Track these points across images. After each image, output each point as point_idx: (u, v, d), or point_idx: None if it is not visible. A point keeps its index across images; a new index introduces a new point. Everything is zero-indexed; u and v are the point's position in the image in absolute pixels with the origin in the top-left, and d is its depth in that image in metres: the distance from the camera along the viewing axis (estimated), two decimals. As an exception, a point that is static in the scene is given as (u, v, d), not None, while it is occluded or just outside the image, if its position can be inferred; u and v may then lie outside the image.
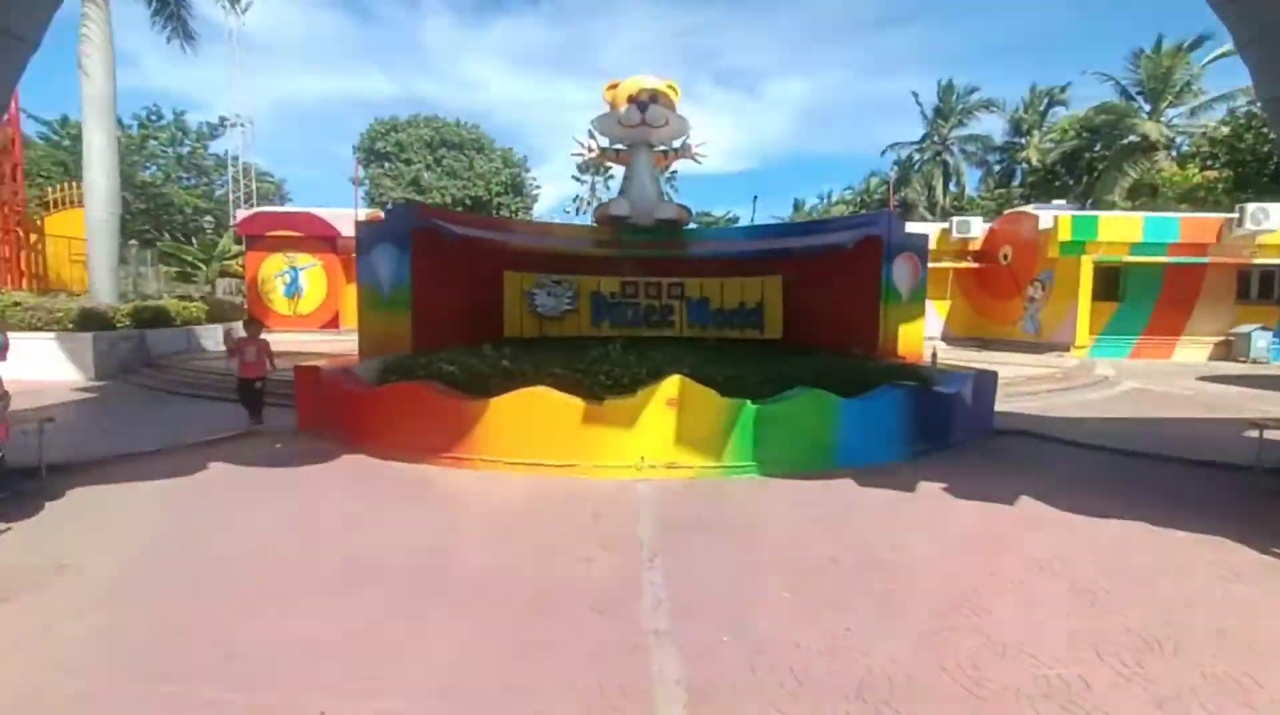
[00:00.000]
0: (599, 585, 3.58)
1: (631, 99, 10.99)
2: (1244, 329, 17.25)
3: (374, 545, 4.08)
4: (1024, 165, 37.29)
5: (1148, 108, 25.88)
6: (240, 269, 19.68)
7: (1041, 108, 36.32)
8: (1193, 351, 17.78)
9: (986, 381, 7.59)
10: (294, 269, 19.61)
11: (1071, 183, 30.81)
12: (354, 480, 5.61)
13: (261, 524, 4.48)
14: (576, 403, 5.82)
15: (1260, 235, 16.66)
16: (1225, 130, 22.03)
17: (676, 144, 11.91)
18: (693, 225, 11.62)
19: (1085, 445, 6.96)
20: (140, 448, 6.33)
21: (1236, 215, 16.57)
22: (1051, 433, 7.50)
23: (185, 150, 39.22)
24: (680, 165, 11.56)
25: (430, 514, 4.75)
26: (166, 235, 32.43)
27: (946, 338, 20.25)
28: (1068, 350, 16.76)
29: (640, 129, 10.99)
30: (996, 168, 40.23)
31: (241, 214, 19.60)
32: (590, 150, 11.66)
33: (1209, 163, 22.01)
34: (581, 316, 10.74)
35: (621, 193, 11.24)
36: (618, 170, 11.96)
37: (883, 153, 44.22)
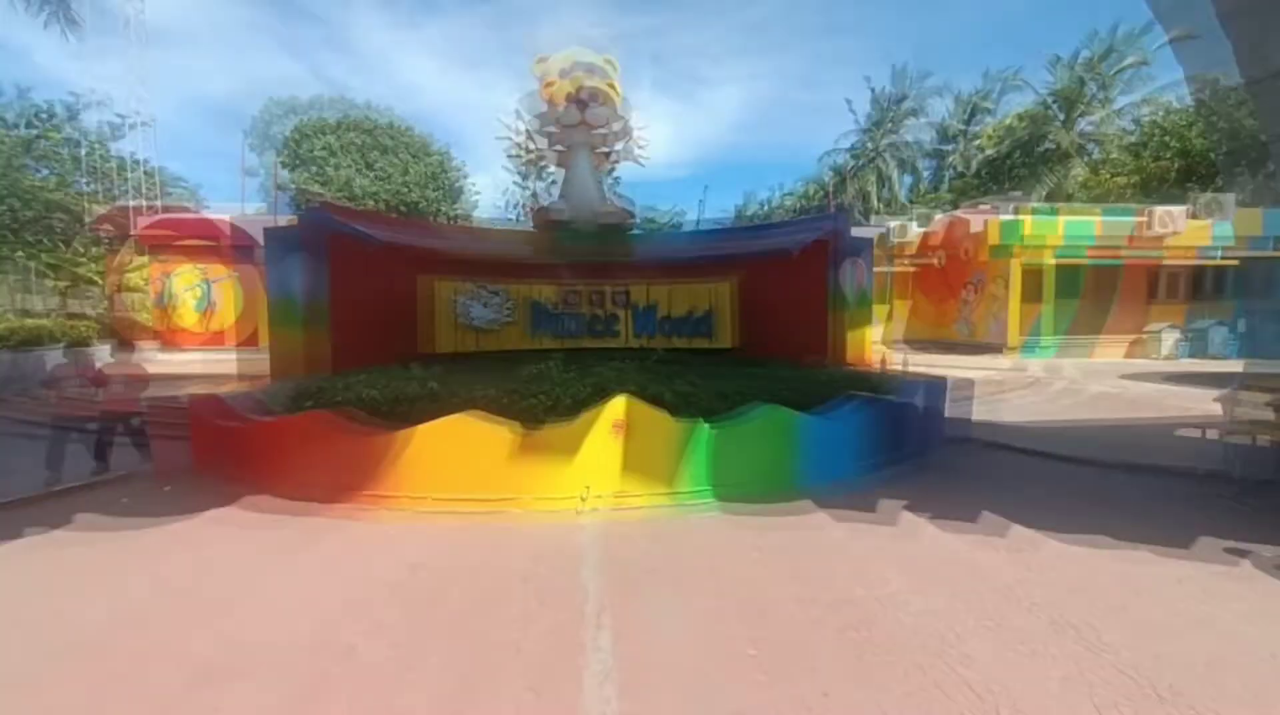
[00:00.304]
0: (536, 655, 3.04)
1: (570, 97, 10.49)
2: (1155, 327, 18.31)
3: (258, 618, 3.40)
4: (951, 171, 39.01)
5: (1061, 116, 27.42)
6: (143, 283, 17.89)
7: (967, 116, 38.10)
8: (1111, 350, 18.73)
9: (936, 389, 7.48)
10: (207, 282, 18.00)
11: (995, 188, 32.31)
12: (248, 530, 4.83)
13: (119, 593, 3.70)
14: (510, 429, 5.24)
15: (1167, 237, 17.75)
16: (1131, 139, 23.58)
17: (618, 145, 11.49)
18: (636, 230, 11.20)
19: (1039, 453, 6.93)
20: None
21: (1145, 218, 17.56)
22: (1003, 440, 7.46)
23: (82, 152, 35.90)
24: (623, 165, 11.10)
25: (334, 572, 4.07)
26: (62, 246, 29.44)
27: (910, 341, 20.61)
28: (1000, 351, 17.32)
29: (580, 130, 10.52)
30: (927, 174, 41.94)
31: (143, 221, 17.83)
32: (523, 140, 11.07)
33: (1116, 170, 23.53)
34: (519, 328, 10.13)
35: (561, 195, 10.71)
36: (558, 171, 11.41)
37: (820, 158, 45.36)
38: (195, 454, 6.43)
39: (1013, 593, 3.62)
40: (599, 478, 5.25)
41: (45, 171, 34.82)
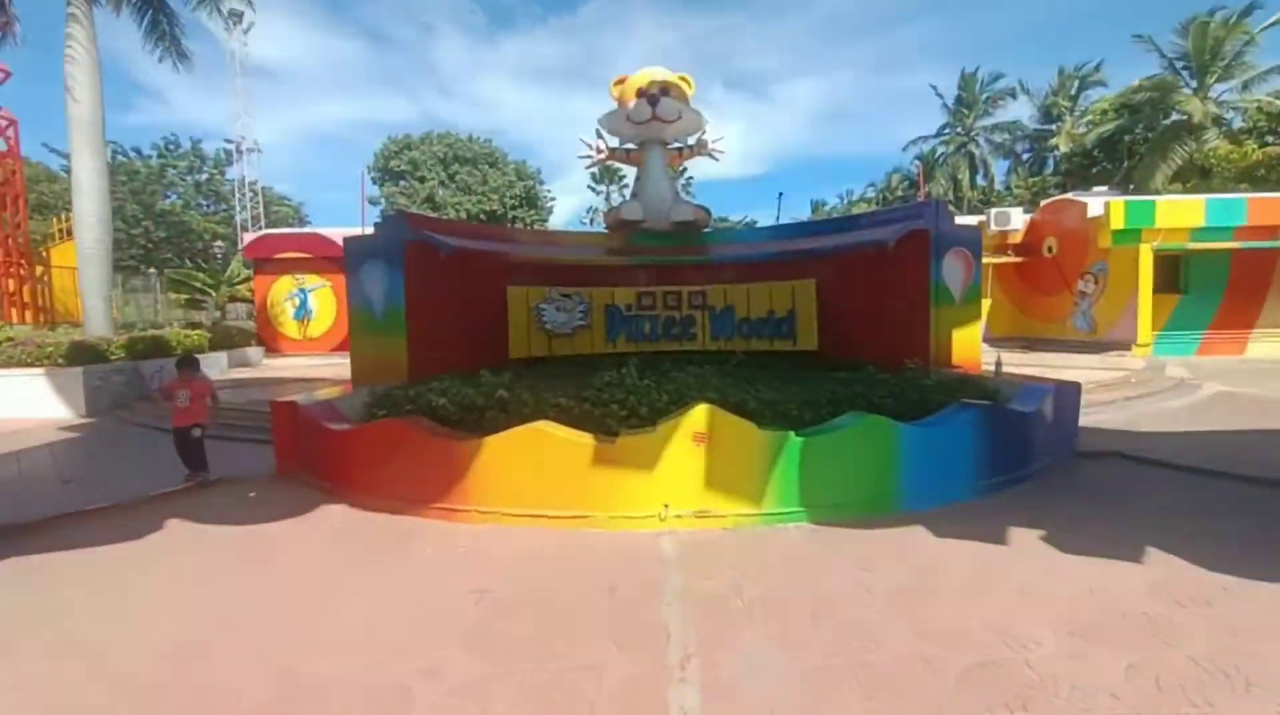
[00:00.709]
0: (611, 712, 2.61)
1: (641, 93, 10.11)
2: (1326, 317, 15.65)
3: (323, 645, 3.17)
4: (1055, 153, 35.64)
5: (1193, 83, 24.23)
6: (250, 293, 19.21)
7: (1073, 90, 34.65)
8: (1267, 346, 16.19)
9: (1068, 396, 6.46)
10: (303, 291, 19.10)
11: (1110, 168, 29.12)
12: (326, 542, 4.73)
13: (195, 606, 3.61)
14: (585, 440, 4.87)
15: (1339, 214, 15.15)
16: (1283, 103, 20.37)
17: (691, 140, 10.99)
18: (711, 230, 10.66)
19: (1199, 470, 5.79)
20: (94, 503, 5.55)
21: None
22: (1149, 454, 6.33)
23: (203, 177, 39.63)
24: (695, 166, 10.56)
25: (401, 593, 3.83)
26: (188, 262, 32.57)
27: (987, 339, 18.87)
28: (1129, 349, 15.34)
29: (652, 125, 10.10)
30: (1026, 157, 38.58)
31: (248, 237, 19.16)
32: (599, 151, 10.80)
33: (1268, 138, 20.35)
34: (595, 332, 9.83)
35: (634, 195, 10.34)
36: (630, 173, 11.07)
37: (905, 148, 42.84)
38: (279, 460, 6.52)
39: (1216, 665, 2.81)
40: (679, 493, 4.78)
41: (174, 196, 38.73)
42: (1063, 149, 33.27)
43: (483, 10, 73.58)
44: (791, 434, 4.86)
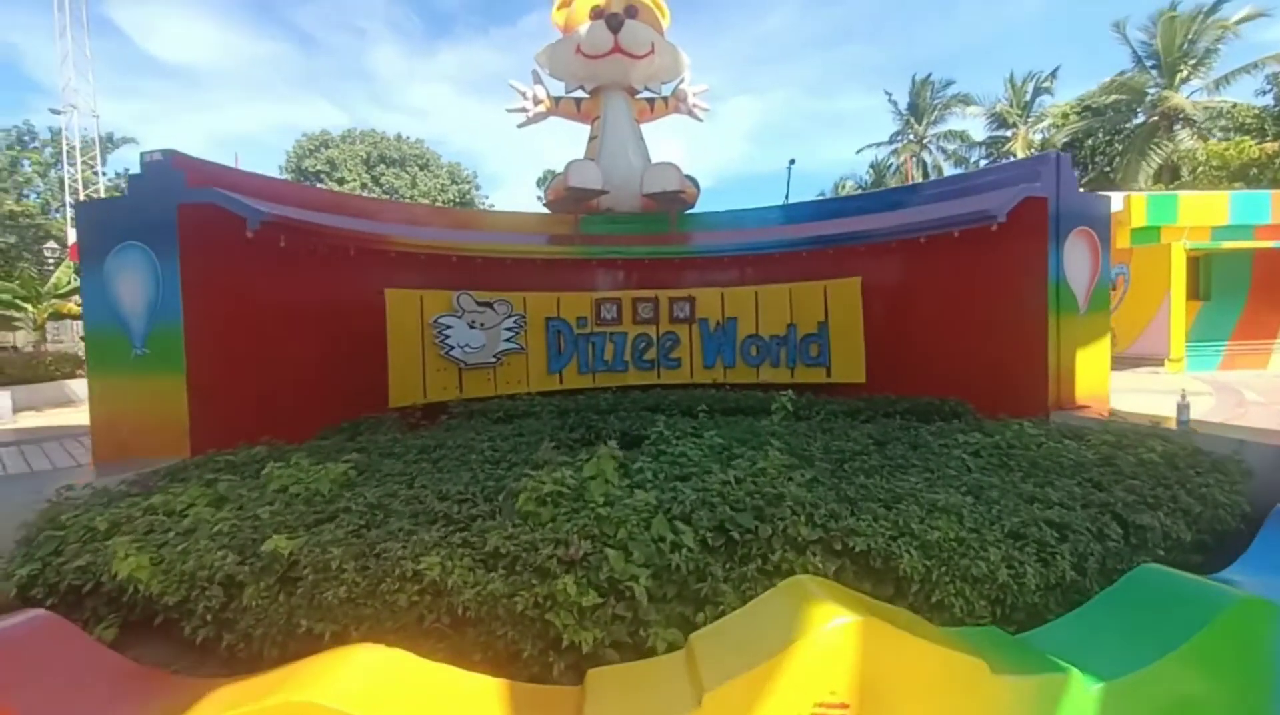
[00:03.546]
0: None
1: (597, 13, 7.00)
2: (1358, 326, 14.13)
3: None
4: (1011, 158, 35.01)
5: (1162, 82, 23.35)
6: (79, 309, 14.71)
7: (1027, 97, 34.17)
8: (1287, 357, 14.58)
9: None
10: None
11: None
12: None
13: None
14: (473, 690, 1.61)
15: (1366, 211, 13.71)
16: (1267, 100, 19.44)
17: (667, 88, 7.95)
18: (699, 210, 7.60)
19: None
20: None
21: (1338, 188, 13.61)
22: None
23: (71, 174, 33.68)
24: (664, 131, 7.46)
25: None
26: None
27: None
28: (1160, 364, 13.30)
29: (613, 61, 7.02)
30: (982, 164, 37.97)
31: (73, 236, 14.75)
32: (535, 101, 7.57)
33: (1257, 137, 19.35)
34: (531, 360, 6.53)
35: (587, 160, 7.19)
36: (584, 136, 7.87)
37: (859, 151, 41.77)
38: None
39: None
40: None
41: (32, 195, 32.69)
42: (1020, 155, 32.51)
43: (419, 17, 69.13)
44: (1080, 676, 1.75)
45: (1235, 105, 21.37)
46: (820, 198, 17.57)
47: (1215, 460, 3.44)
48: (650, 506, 2.45)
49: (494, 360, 6.26)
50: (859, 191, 44.41)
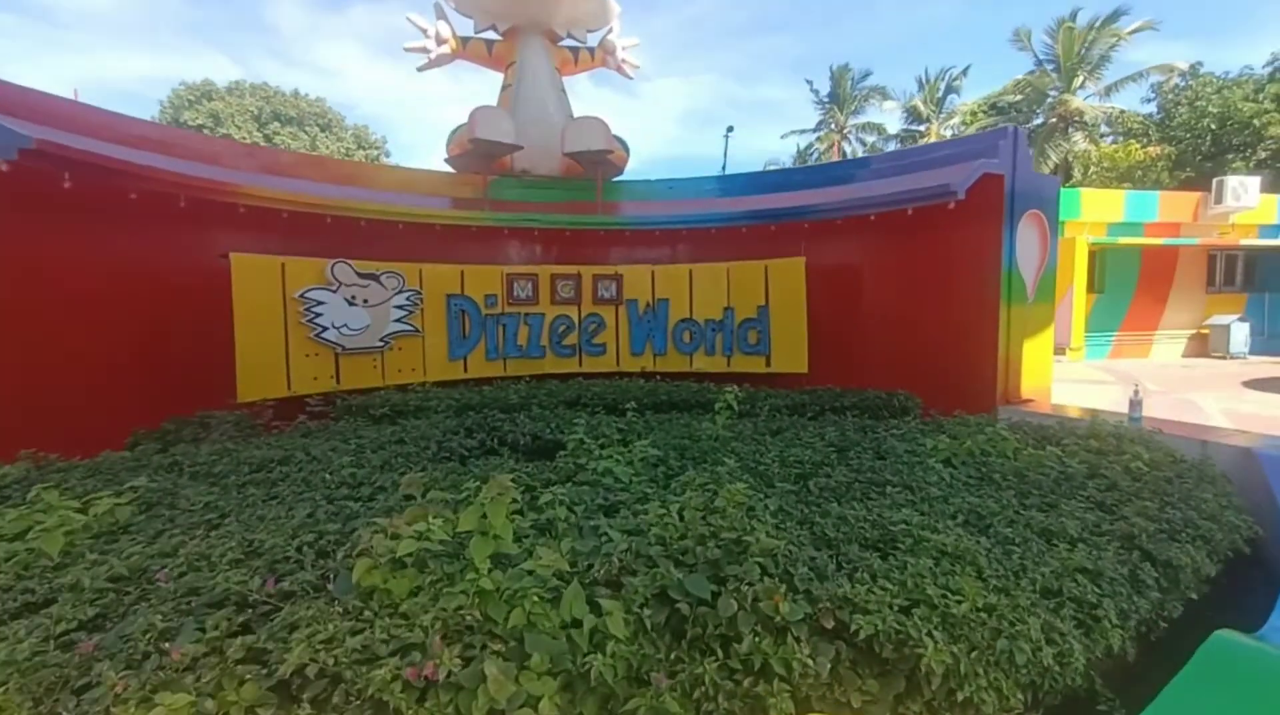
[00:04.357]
0: None
1: (510, -64, 5.95)
2: (1222, 320, 15.44)
3: None
4: (924, 154, 36.53)
5: (1059, 85, 24.82)
6: None
7: (940, 93, 35.63)
8: (1168, 348, 15.81)
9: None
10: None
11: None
12: None
13: None
14: None
15: (1234, 214, 15.02)
16: (1151, 108, 20.98)
17: (592, 39, 7.03)
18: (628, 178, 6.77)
19: None
20: None
21: (1213, 191, 14.77)
22: None
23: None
24: (591, 74, 6.52)
25: None
26: None
27: None
28: (1061, 353, 13.95)
29: (529, -5, 6.01)
30: (896, 156, 39.46)
31: None
32: (438, 40, 6.44)
33: (1143, 141, 20.89)
34: (429, 344, 5.51)
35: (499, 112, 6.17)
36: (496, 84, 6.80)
37: (783, 137, 42.32)
38: None
39: None
40: None
41: None
42: (932, 149, 33.95)
43: (326, -40, 62.50)
44: None
45: (1123, 112, 23.01)
46: (763, 170, 16.98)
47: (1201, 470, 3.09)
48: (560, 571, 1.66)
49: (381, 344, 5.20)
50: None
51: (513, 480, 2.44)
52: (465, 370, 5.69)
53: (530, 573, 1.62)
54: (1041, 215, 5.18)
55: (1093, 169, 21.63)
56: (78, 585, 1.63)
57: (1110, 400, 6.79)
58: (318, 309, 4.80)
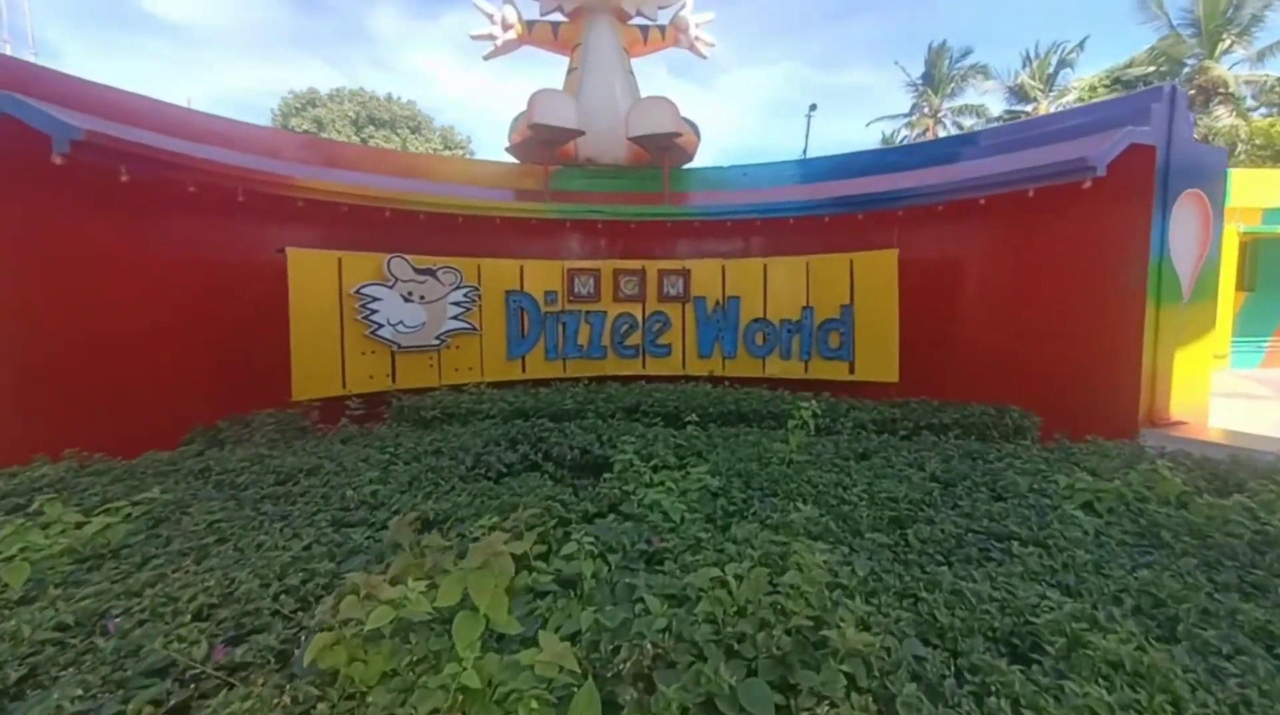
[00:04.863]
0: None
1: (576, -91, 5.60)
2: None
3: None
4: (1031, 136, 33.36)
5: (1200, 53, 21.75)
6: None
7: (1050, 69, 32.38)
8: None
9: None
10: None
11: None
12: None
13: None
14: None
15: None
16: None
17: (663, 16, 6.58)
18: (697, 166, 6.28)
19: None
20: None
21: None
22: None
23: None
24: (668, 63, 5.96)
25: None
26: None
27: None
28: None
29: (596, -28, 5.63)
30: (999, 141, 36.35)
31: None
32: (504, 26, 6.20)
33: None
34: (487, 343, 5.29)
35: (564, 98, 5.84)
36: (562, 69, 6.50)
37: (868, 124, 40.03)
38: None
39: None
40: None
41: None
42: (1041, 131, 30.92)
43: (424, -28, 66.00)
44: None
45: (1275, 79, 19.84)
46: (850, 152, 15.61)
47: None
48: (574, 661, 1.25)
49: (437, 342, 5.02)
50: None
51: (545, 509, 2.06)
52: (523, 371, 5.44)
53: (527, 673, 1.21)
54: (1203, 195, 4.24)
55: (1241, 147, 18.77)
56: (17, 635, 1.40)
57: (1272, 420, 5.59)
58: (373, 305, 4.66)
